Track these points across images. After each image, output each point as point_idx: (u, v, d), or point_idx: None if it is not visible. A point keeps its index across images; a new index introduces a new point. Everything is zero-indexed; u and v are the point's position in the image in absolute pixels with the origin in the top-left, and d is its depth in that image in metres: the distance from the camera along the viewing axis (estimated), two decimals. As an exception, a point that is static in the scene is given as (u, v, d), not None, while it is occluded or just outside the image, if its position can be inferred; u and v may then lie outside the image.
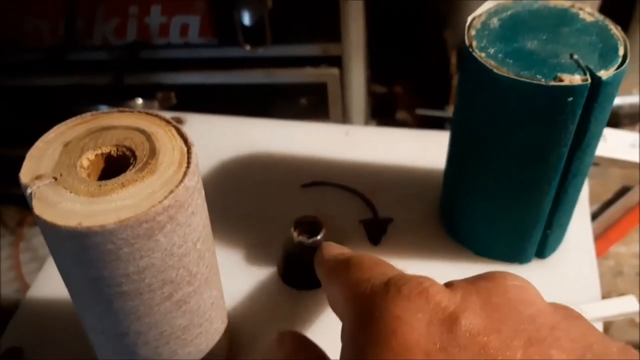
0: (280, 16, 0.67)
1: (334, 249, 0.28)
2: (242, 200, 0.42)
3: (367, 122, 0.82)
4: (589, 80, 0.28)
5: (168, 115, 0.48)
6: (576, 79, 0.29)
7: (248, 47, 0.68)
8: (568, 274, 0.36)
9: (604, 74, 0.29)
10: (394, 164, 0.44)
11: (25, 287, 0.73)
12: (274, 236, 0.38)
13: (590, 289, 0.35)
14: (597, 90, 0.29)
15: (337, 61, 0.70)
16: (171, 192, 0.22)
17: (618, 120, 0.83)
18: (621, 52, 0.30)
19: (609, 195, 0.76)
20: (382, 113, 0.86)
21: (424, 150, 0.44)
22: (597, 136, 0.32)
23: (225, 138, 0.46)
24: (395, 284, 0.21)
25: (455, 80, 0.76)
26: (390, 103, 0.88)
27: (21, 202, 0.85)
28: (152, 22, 0.69)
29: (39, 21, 0.70)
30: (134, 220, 0.21)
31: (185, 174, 0.23)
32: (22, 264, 0.76)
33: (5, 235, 0.80)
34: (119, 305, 0.24)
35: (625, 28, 0.87)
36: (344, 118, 0.76)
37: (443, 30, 0.80)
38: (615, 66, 0.29)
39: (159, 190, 0.22)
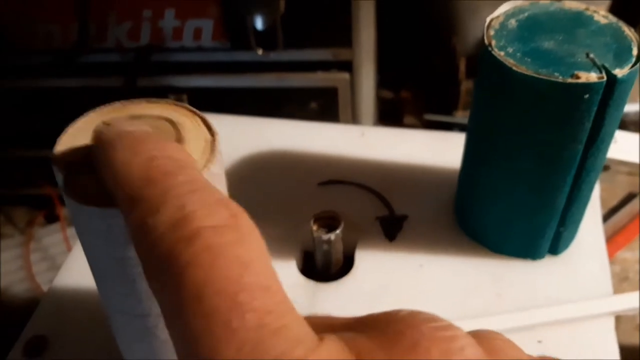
0: (292, 21, 0.68)
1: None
2: (261, 197, 0.42)
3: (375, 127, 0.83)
4: (605, 78, 0.29)
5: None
6: (592, 76, 0.29)
7: (260, 51, 0.69)
8: (580, 271, 0.37)
9: (619, 72, 0.29)
10: (408, 163, 0.45)
11: (36, 286, 0.74)
12: (292, 231, 0.39)
13: (602, 285, 0.36)
14: (612, 87, 0.29)
15: (347, 66, 0.71)
16: None
17: (624, 127, 0.83)
18: (635, 52, 0.31)
19: (615, 201, 0.77)
20: (390, 118, 0.87)
21: (438, 150, 0.45)
22: (611, 134, 0.32)
23: (242, 137, 0.47)
24: None
25: (463, 87, 0.77)
26: (397, 108, 0.89)
27: (31, 202, 0.86)
28: (166, 25, 0.70)
29: (52, 24, 0.71)
30: None
31: (209, 160, 0.24)
32: (33, 263, 0.76)
33: (15, 235, 0.80)
34: (142, 285, 0.25)
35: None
36: (354, 122, 0.76)
37: (451, 37, 0.81)
38: (630, 65, 0.30)
39: None
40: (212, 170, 0.24)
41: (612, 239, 0.73)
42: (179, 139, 0.25)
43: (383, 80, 0.90)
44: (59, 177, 0.24)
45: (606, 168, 0.77)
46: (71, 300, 0.36)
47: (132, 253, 0.24)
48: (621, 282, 0.69)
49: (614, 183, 0.74)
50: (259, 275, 0.16)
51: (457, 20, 0.80)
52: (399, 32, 0.91)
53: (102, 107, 0.27)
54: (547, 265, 0.37)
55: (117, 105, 0.27)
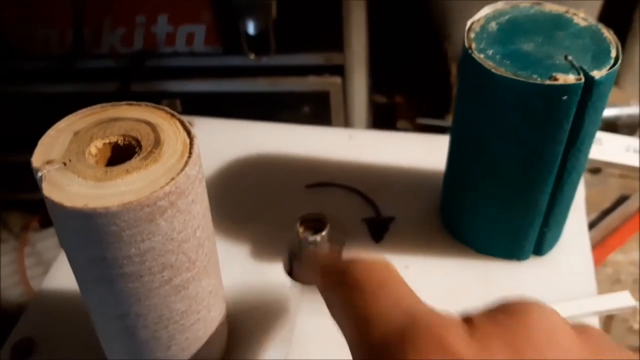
0: (284, 26, 0.68)
1: (328, 253, 0.26)
2: (249, 199, 0.43)
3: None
4: (583, 80, 0.29)
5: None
6: (570, 78, 0.30)
7: (252, 56, 0.69)
8: (565, 271, 0.37)
9: (596, 74, 0.30)
10: (395, 165, 0.45)
11: (30, 291, 0.74)
12: (279, 234, 0.39)
13: (586, 285, 0.36)
14: (590, 89, 0.30)
15: (339, 70, 0.72)
16: (172, 179, 0.23)
17: (616, 130, 0.84)
18: (613, 53, 0.31)
19: (607, 204, 0.77)
20: (383, 123, 0.87)
21: (425, 152, 0.45)
22: (591, 135, 0.33)
23: (232, 140, 0.47)
24: (410, 335, 0.19)
25: (455, 91, 0.77)
26: (390, 113, 0.90)
27: (26, 207, 0.86)
28: (159, 31, 0.70)
29: (48, 30, 0.72)
30: (136, 203, 0.22)
31: (186, 163, 0.24)
32: (27, 268, 0.76)
33: (9, 240, 0.81)
34: (120, 286, 0.25)
35: (623, 39, 0.88)
36: (346, 126, 0.77)
37: (443, 42, 0.82)
38: (608, 67, 0.30)
39: (161, 177, 0.24)
40: (189, 172, 0.24)
41: (605, 242, 0.73)
42: (157, 141, 0.26)
43: (377, 84, 0.91)
44: (38, 178, 0.24)
45: (597, 171, 0.78)
46: (59, 303, 0.37)
47: (109, 254, 0.24)
48: (613, 285, 0.69)
49: (605, 185, 0.75)
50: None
51: (448, 25, 0.81)
52: (393, 37, 0.92)
53: (83, 110, 0.28)
54: (531, 266, 0.37)
55: (97, 108, 0.28)
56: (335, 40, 0.69)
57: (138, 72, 0.72)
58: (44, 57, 0.74)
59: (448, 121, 0.81)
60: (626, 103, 0.86)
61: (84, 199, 0.23)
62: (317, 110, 0.74)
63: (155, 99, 0.73)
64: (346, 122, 0.76)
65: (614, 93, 0.93)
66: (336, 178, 0.44)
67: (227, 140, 0.47)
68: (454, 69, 0.78)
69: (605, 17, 0.77)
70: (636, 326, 0.67)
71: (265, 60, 0.70)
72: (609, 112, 0.86)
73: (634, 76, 0.88)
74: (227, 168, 0.45)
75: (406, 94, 0.93)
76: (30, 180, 0.25)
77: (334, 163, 0.45)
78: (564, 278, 0.36)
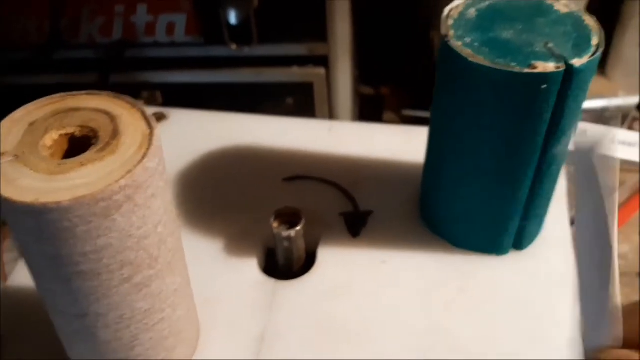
0: (266, 15, 0.67)
1: None
2: (224, 193, 0.41)
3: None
4: (563, 68, 0.28)
5: (152, 110, 0.49)
6: (550, 66, 0.29)
7: (234, 46, 0.68)
8: (545, 266, 0.36)
9: (577, 62, 0.29)
10: (376, 158, 0.44)
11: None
12: (254, 228, 0.38)
13: (566, 280, 0.35)
14: (570, 77, 0.29)
15: (323, 61, 0.71)
16: (129, 172, 0.22)
17: (604, 122, 0.83)
18: (594, 41, 0.30)
19: (595, 196, 0.76)
20: (370, 114, 0.86)
21: (406, 145, 0.44)
22: (572, 126, 0.32)
23: (208, 133, 0.46)
24: None
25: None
26: (377, 104, 0.89)
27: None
28: (138, 20, 0.69)
29: (26, 20, 0.70)
30: (89, 198, 0.21)
31: (145, 155, 0.23)
32: (6, 263, 0.75)
33: (-12, 234, 0.79)
34: (78, 285, 0.24)
35: (612, 30, 0.88)
36: (331, 118, 0.76)
37: (430, 32, 0.81)
38: (589, 55, 0.29)
39: (117, 170, 0.22)
40: (148, 165, 0.23)
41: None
42: (115, 132, 0.24)
43: (364, 76, 0.90)
44: None
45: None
46: (26, 299, 0.36)
47: (63, 251, 0.23)
48: (600, 278, 0.69)
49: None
50: None
51: (435, 15, 0.80)
52: (379, 27, 0.90)
53: (41, 99, 0.27)
54: (511, 261, 0.36)
55: (56, 97, 0.27)
56: (319, 30, 0.68)
57: (118, 62, 0.71)
58: (21, 48, 0.72)
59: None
60: (614, 94, 0.85)
61: (35, 194, 0.22)
62: (301, 102, 0.73)
63: (136, 90, 0.71)
64: (331, 114, 0.75)
65: (602, 84, 0.92)
66: (315, 171, 0.43)
67: (203, 133, 0.46)
68: (440, 60, 0.77)
69: (594, 6, 0.76)
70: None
71: (247, 51, 0.69)
72: (596, 104, 0.85)
73: (622, 67, 0.87)
74: (202, 161, 0.44)
75: (393, 85, 0.92)
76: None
77: (313, 156, 0.44)
78: (544, 273, 0.35)
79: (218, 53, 0.70)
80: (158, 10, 0.69)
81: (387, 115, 0.87)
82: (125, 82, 0.72)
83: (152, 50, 0.71)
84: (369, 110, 0.87)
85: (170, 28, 0.69)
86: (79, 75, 0.72)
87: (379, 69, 0.92)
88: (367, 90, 0.91)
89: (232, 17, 0.66)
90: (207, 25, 0.68)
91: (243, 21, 0.66)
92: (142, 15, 0.69)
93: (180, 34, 0.69)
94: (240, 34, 0.68)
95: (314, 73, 0.71)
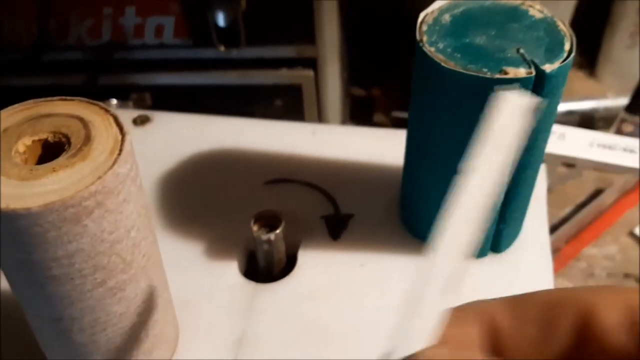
0: (254, 17, 0.67)
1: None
2: (204, 196, 0.42)
3: (344, 125, 0.82)
4: (534, 73, 0.29)
5: (136, 113, 0.49)
6: (521, 72, 0.29)
7: (222, 48, 0.68)
8: (523, 269, 0.36)
9: (548, 67, 0.29)
10: (357, 161, 0.44)
11: None
12: (235, 231, 0.39)
13: (544, 283, 0.35)
14: (541, 82, 0.29)
15: (312, 63, 0.71)
16: (99, 178, 0.22)
17: (593, 123, 0.83)
18: (567, 47, 0.30)
19: (583, 197, 0.77)
20: (360, 116, 0.86)
21: (387, 148, 0.45)
22: (545, 130, 0.32)
23: (192, 136, 0.46)
24: None
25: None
26: (368, 106, 0.89)
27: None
28: (127, 22, 0.69)
29: (13, 21, 0.70)
30: (59, 204, 0.22)
31: (115, 160, 0.23)
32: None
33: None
34: (51, 289, 0.24)
35: (601, 32, 0.88)
36: (320, 120, 0.76)
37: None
38: (561, 60, 0.30)
39: (88, 175, 0.23)
40: (118, 170, 0.23)
41: (579, 235, 0.73)
42: (88, 138, 0.25)
43: (354, 77, 0.90)
44: None
45: (573, 164, 0.77)
46: (8, 300, 0.36)
47: (35, 256, 0.23)
48: (587, 279, 0.69)
49: (581, 179, 0.74)
50: None
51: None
52: (370, 29, 0.91)
53: (15, 105, 0.27)
54: (488, 264, 0.36)
55: (29, 103, 0.27)
56: (307, 33, 0.68)
57: (106, 64, 0.71)
58: (9, 49, 0.72)
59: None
60: (603, 96, 0.86)
61: (6, 200, 0.22)
62: (290, 104, 0.73)
63: (125, 92, 0.72)
64: (320, 116, 0.75)
65: (590, 85, 0.92)
66: (297, 174, 0.43)
67: (187, 136, 0.46)
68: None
69: (583, 9, 0.76)
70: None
71: (236, 53, 0.69)
72: (585, 105, 0.86)
73: (611, 68, 0.88)
74: (185, 164, 0.44)
75: (384, 87, 0.92)
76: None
77: (295, 159, 0.44)
78: (521, 276, 0.36)
79: (206, 55, 0.70)
80: (146, 12, 0.69)
81: (378, 116, 0.88)
82: (114, 84, 0.72)
83: (140, 52, 0.71)
84: (359, 111, 0.87)
85: (159, 30, 0.69)
86: (68, 77, 0.72)
87: (370, 70, 0.92)
88: (358, 91, 0.91)
89: (220, 20, 0.66)
90: (195, 28, 0.69)
91: (231, 23, 0.66)
92: (130, 18, 0.69)
93: (168, 36, 0.69)
94: (228, 36, 0.68)
95: (303, 75, 0.71)
